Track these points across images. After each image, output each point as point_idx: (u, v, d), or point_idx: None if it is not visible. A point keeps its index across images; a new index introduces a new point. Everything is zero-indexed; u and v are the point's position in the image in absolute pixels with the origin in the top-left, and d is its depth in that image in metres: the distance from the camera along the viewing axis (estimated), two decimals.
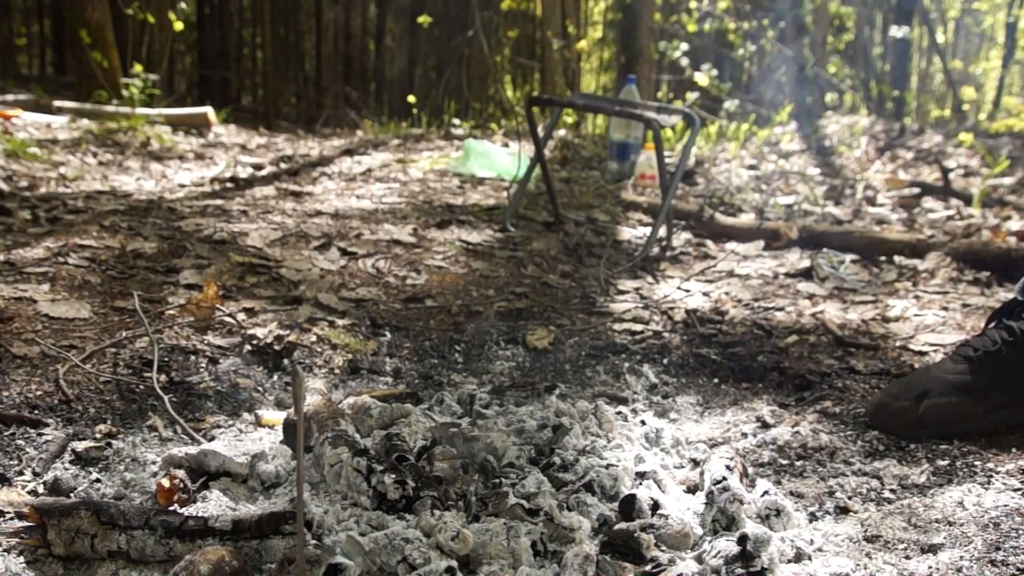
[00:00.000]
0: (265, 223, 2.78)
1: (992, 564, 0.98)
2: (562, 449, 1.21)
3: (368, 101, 15.68)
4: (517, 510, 1.04)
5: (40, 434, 1.29)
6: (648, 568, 0.97)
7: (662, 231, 2.85)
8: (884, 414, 1.46)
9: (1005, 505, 1.12)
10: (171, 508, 1.06)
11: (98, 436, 1.32)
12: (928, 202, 3.82)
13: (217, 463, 1.16)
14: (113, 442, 1.30)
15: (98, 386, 1.46)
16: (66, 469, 1.21)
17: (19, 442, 1.26)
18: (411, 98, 7.83)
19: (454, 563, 0.93)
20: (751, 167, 4.78)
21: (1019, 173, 4.01)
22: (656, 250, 2.81)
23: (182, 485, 1.10)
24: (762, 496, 1.13)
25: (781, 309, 2.18)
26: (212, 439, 1.35)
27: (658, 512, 1.06)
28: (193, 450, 1.18)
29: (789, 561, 1.01)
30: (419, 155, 4.97)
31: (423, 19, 8.51)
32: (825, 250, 2.80)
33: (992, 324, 1.51)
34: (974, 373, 1.44)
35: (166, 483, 1.09)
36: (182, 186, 3.60)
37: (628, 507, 1.08)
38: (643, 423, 1.41)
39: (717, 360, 1.80)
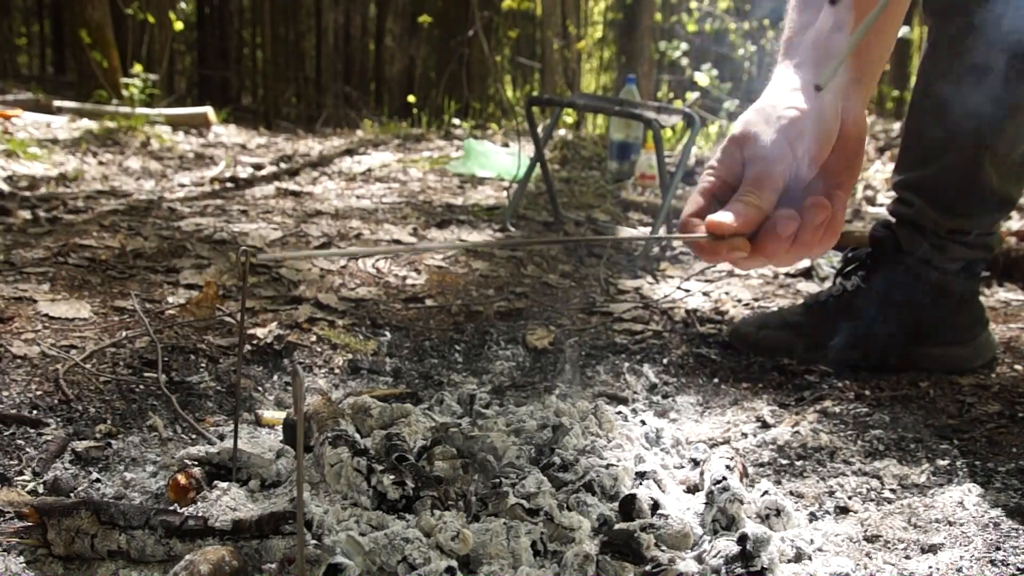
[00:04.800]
0: (265, 223, 2.78)
1: (992, 564, 0.98)
2: (562, 449, 1.21)
3: (368, 101, 15.68)
4: (517, 510, 1.04)
5: (40, 434, 1.29)
6: (648, 568, 0.97)
7: (662, 231, 2.85)
8: (736, 334, 1.84)
9: (1005, 505, 1.12)
10: (173, 507, 1.06)
11: (98, 436, 1.32)
12: None
13: (242, 460, 1.16)
14: (113, 442, 1.30)
15: (98, 386, 1.46)
16: (66, 469, 1.21)
17: (19, 442, 1.26)
18: (411, 98, 7.83)
19: (454, 563, 0.93)
20: None
21: None
22: (656, 250, 2.81)
23: (196, 484, 1.10)
24: (762, 496, 1.13)
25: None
26: (222, 438, 1.35)
27: (658, 512, 1.06)
28: (215, 448, 1.18)
29: (789, 561, 1.01)
30: (419, 155, 4.97)
31: (423, 19, 8.51)
32: None
33: (835, 278, 1.80)
34: (804, 315, 1.78)
35: (182, 479, 1.09)
36: (182, 186, 3.60)
37: (628, 507, 1.08)
38: (643, 423, 1.41)
39: (717, 360, 1.80)
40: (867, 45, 0.92)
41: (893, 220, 1.73)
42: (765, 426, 1.49)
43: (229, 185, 3.65)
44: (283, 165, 4.37)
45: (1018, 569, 0.97)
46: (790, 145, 0.87)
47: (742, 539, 0.98)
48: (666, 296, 2.29)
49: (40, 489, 1.15)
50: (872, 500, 1.21)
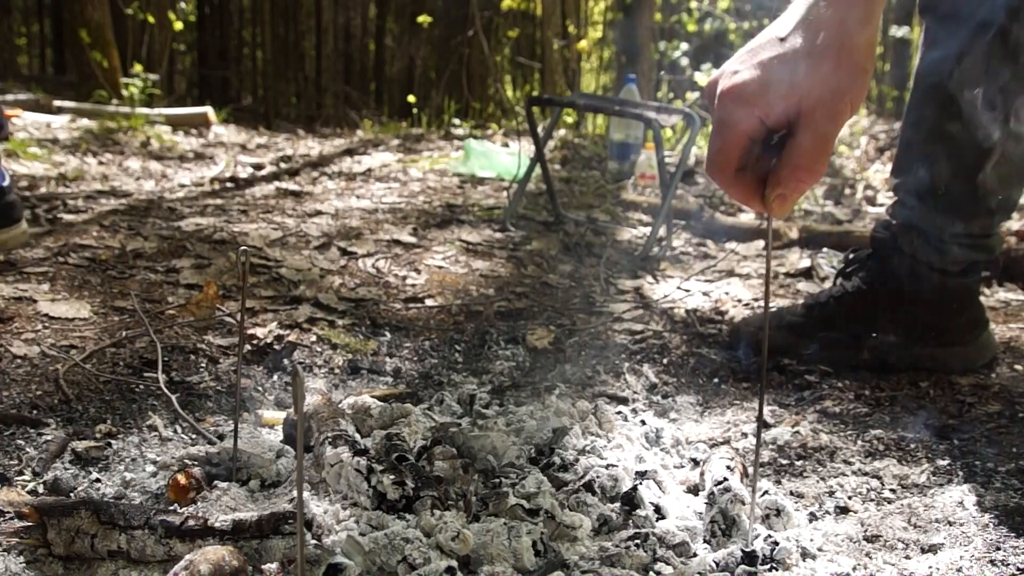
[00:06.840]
0: (265, 223, 2.78)
1: (992, 564, 0.98)
2: (562, 449, 1.21)
3: (368, 101, 15.68)
4: (517, 510, 1.04)
5: (40, 434, 1.29)
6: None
7: (662, 231, 2.85)
8: (736, 334, 1.84)
9: (1005, 505, 1.12)
10: (172, 507, 1.06)
11: (98, 436, 1.32)
12: None
13: (242, 460, 1.16)
14: (113, 442, 1.30)
15: (98, 386, 1.46)
16: (66, 469, 1.21)
17: (19, 442, 1.26)
18: (411, 98, 7.83)
19: (454, 563, 0.93)
20: None
21: None
22: (656, 250, 2.81)
23: (196, 484, 1.10)
24: (762, 496, 1.13)
25: None
26: (222, 438, 1.35)
27: (659, 512, 1.06)
28: (215, 448, 1.18)
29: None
30: (419, 155, 4.97)
31: (423, 19, 8.50)
32: (825, 250, 2.80)
33: (836, 279, 1.81)
34: (805, 316, 1.78)
35: (182, 479, 1.09)
36: (182, 186, 3.60)
37: (630, 500, 1.08)
38: (643, 423, 1.41)
39: (717, 360, 1.80)
40: None
41: (893, 222, 1.73)
42: (765, 426, 1.49)
43: (229, 185, 3.65)
44: (283, 165, 4.37)
45: (1018, 569, 0.97)
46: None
47: (742, 540, 0.98)
48: (666, 296, 2.29)
49: (40, 489, 1.15)
50: (872, 500, 1.21)
